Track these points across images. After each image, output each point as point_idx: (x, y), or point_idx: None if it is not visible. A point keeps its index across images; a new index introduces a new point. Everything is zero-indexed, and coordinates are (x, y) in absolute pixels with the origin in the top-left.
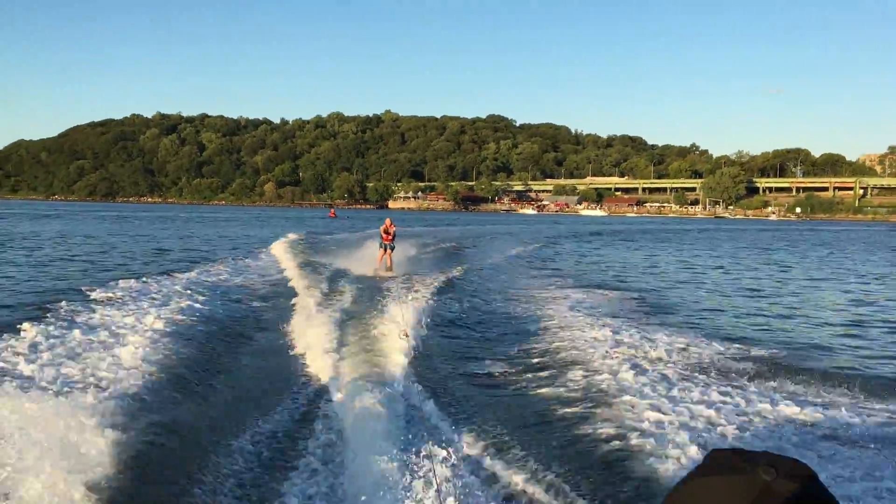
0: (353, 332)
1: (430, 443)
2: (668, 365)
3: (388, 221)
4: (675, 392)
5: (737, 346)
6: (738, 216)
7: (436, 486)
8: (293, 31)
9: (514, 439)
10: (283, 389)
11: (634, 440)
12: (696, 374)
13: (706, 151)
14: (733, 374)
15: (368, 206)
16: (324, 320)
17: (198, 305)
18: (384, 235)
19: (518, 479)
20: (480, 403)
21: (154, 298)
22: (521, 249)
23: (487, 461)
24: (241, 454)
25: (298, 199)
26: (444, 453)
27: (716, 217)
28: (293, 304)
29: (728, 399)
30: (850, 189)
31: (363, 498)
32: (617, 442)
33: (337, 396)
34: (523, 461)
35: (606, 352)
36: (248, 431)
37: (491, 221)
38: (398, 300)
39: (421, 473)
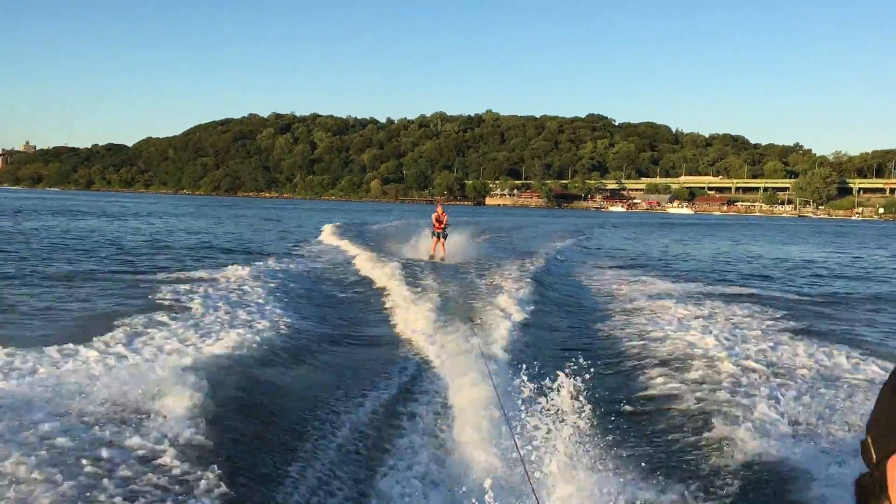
0: (441, 314)
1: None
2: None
3: (440, 209)
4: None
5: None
6: (821, 216)
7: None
8: (400, 32)
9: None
10: (382, 367)
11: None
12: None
13: (809, 151)
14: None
15: (467, 203)
16: (413, 299)
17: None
18: (436, 224)
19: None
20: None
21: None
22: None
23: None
24: (345, 426)
25: (402, 195)
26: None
27: (799, 216)
28: (372, 286)
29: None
30: None
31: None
32: (726, 445)
33: (436, 373)
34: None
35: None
36: (352, 404)
37: (562, 216)
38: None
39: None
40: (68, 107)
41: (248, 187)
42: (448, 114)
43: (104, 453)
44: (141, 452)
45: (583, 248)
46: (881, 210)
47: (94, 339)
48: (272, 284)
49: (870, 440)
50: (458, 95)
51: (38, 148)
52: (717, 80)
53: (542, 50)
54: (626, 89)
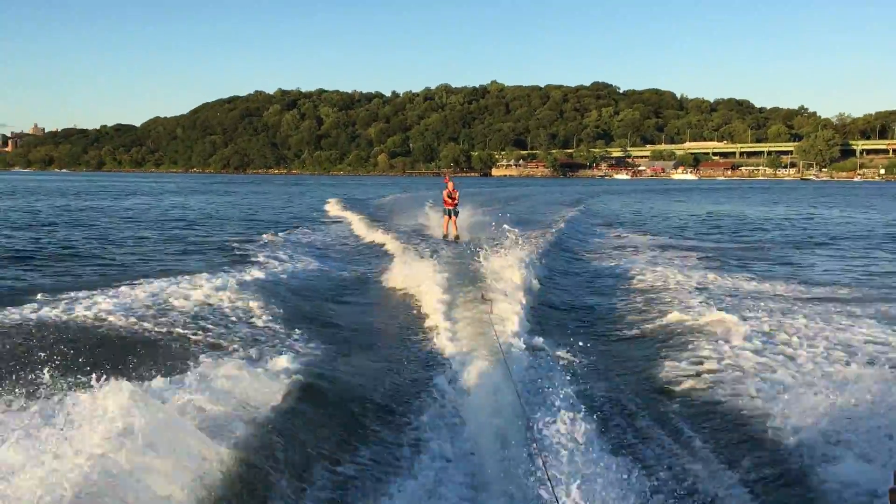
0: (454, 291)
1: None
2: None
3: (450, 185)
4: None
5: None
6: (823, 178)
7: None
8: (402, 5)
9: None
10: (397, 338)
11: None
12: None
13: (814, 114)
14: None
15: (473, 174)
16: (426, 273)
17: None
18: (447, 200)
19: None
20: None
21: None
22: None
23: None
24: (356, 401)
25: (409, 168)
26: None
27: (802, 179)
28: (387, 259)
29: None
30: None
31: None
32: (743, 412)
33: (450, 348)
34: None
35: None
36: (364, 379)
37: (570, 186)
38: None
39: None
40: (75, 88)
41: (256, 164)
42: (453, 86)
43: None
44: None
45: (585, 214)
46: (882, 171)
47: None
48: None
49: None
50: (463, 67)
51: (46, 130)
52: (722, 45)
53: (545, 19)
54: (630, 56)
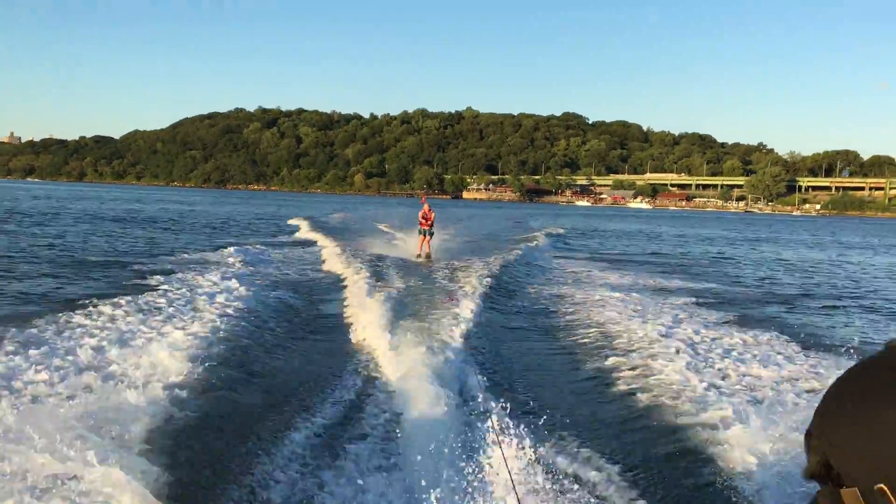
0: (406, 311)
1: (493, 421)
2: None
3: (426, 207)
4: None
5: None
6: (765, 212)
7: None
8: (382, 30)
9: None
10: (338, 368)
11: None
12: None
13: (771, 150)
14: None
15: (445, 196)
16: (377, 300)
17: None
18: (422, 221)
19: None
20: (534, 380)
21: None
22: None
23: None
24: (298, 430)
25: (384, 188)
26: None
27: (746, 211)
28: (344, 285)
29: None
30: (882, 189)
31: (419, 464)
32: (670, 418)
33: (392, 373)
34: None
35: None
36: (307, 407)
37: (532, 210)
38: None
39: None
40: (53, 98)
41: (236, 180)
42: (430, 110)
43: None
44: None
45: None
46: (818, 207)
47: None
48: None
49: None
50: (440, 92)
51: (23, 139)
52: (690, 80)
53: (522, 48)
54: (602, 88)
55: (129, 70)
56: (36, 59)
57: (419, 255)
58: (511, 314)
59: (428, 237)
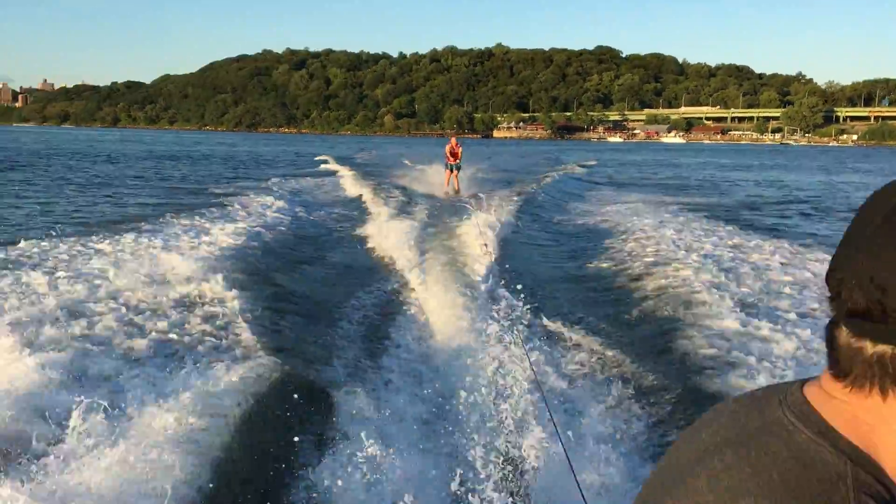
0: (433, 238)
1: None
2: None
3: (454, 141)
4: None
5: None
6: (801, 143)
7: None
8: None
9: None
10: (367, 283)
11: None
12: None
13: (810, 81)
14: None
15: (475, 136)
16: (403, 228)
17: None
18: (449, 157)
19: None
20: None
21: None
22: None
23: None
24: (335, 335)
25: (414, 129)
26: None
27: (781, 143)
28: (368, 216)
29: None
30: None
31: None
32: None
33: (422, 290)
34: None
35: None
36: (339, 318)
37: (562, 148)
38: (476, 213)
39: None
40: (83, 44)
41: (267, 123)
42: (459, 48)
43: None
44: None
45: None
46: (854, 137)
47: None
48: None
49: None
50: (469, 28)
51: (55, 86)
52: (727, 10)
53: None
54: (636, 20)
55: (157, 14)
56: (65, 5)
57: (447, 192)
58: (534, 231)
59: (456, 171)
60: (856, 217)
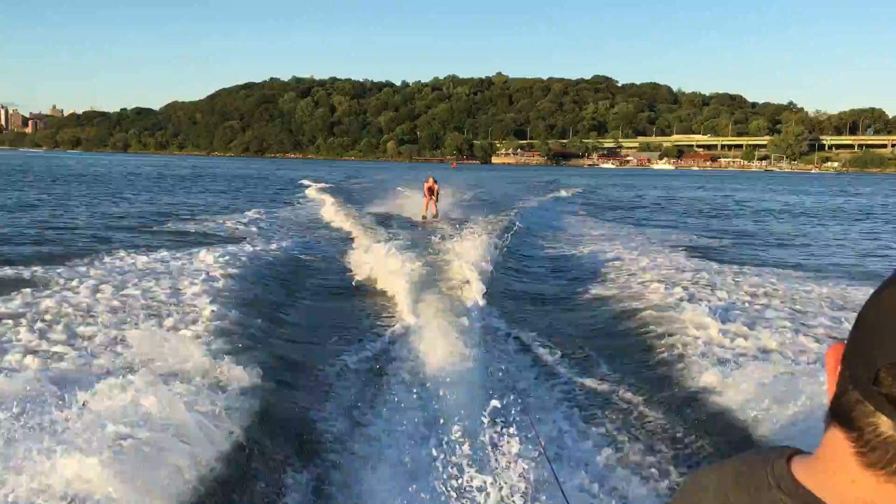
0: (421, 265)
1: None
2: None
3: (431, 180)
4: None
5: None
6: (785, 170)
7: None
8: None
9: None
10: (358, 322)
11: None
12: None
13: (801, 109)
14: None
15: (475, 161)
16: (390, 255)
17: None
18: (426, 194)
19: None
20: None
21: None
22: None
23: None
24: (330, 379)
25: (416, 155)
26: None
27: (766, 170)
28: (354, 244)
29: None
30: None
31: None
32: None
33: (415, 324)
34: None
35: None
36: (335, 359)
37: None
38: (458, 240)
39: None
40: (91, 71)
41: (274, 149)
42: (460, 76)
43: None
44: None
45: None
46: (835, 165)
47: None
48: None
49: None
50: (471, 57)
51: (65, 112)
52: (723, 40)
53: (552, 10)
54: (633, 49)
55: (165, 41)
56: (74, 33)
57: (424, 217)
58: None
59: (434, 197)
60: (880, 302)
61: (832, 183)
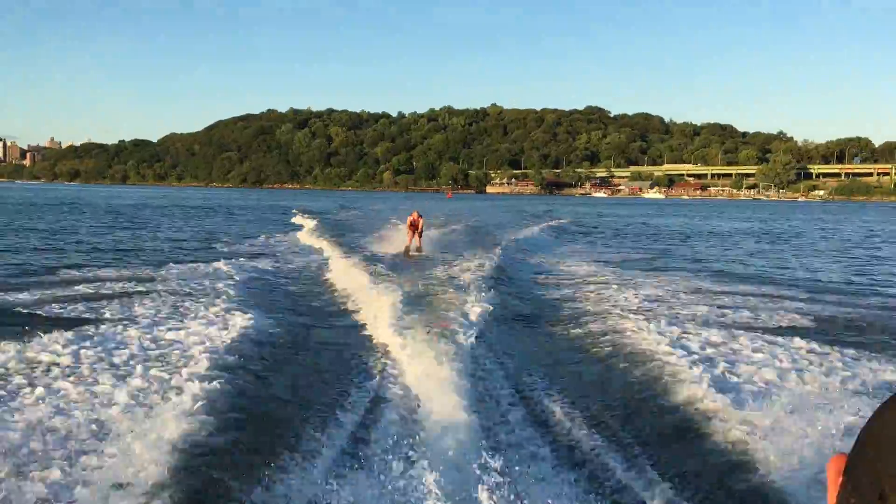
0: (410, 307)
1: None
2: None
3: (415, 214)
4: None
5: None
6: (773, 199)
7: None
8: (408, 30)
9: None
10: (351, 369)
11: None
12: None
13: (791, 139)
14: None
15: (469, 191)
16: (381, 296)
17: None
18: (409, 228)
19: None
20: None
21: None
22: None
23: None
24: (320, 428)
25: (412, 185)
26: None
27: (754, 199)
28: (341, 287)
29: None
30: (889, 174)
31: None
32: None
33: (406, 368)
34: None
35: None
36: (326, 406)
37: (548, 203)
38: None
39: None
40: (89, 103)
41: (272, 180)
42: (455, 107)
43: None
44: None
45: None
46: (821, 193)
47: None
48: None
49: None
50: (466, 89)
51: (62, 144)
52: (716, 71)
53: (546, 43)
54: (626, 80)
55: (162, 73)
56: (72, 65)
57: (407, 248)
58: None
59: (418, 233)
60: (884, 420)
61: (803, 210)
